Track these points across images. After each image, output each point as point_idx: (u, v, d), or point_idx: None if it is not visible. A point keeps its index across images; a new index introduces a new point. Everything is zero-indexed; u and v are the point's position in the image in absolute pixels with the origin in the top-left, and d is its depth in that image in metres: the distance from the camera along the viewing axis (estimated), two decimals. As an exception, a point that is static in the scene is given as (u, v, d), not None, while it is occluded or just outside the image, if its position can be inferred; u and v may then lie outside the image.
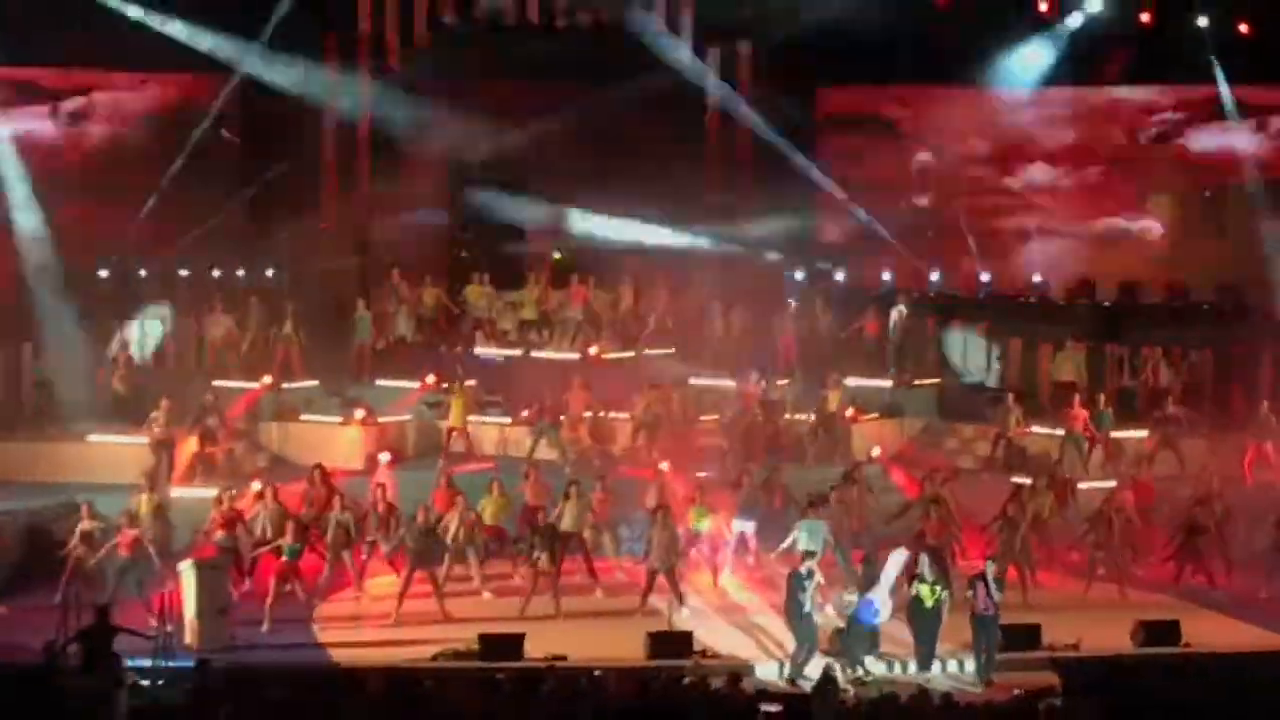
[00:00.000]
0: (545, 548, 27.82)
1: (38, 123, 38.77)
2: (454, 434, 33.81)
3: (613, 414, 34.45)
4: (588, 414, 34.05)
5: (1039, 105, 42.35)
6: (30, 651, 22.78)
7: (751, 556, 29.68)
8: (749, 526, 29.65)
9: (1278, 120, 41.24)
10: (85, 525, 27.12)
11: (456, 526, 28.20)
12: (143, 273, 37.49)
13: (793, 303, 38.35)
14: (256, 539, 28.04)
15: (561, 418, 33.72)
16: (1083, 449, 33.78)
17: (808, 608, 24.66)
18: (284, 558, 27.05)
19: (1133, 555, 29.54)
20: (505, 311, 38.00)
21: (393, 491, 29.20)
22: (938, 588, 25.13)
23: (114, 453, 32.05)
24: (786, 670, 24.65)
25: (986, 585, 24.88)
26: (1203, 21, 39.08)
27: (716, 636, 26.11)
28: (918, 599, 24.99)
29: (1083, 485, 32.07)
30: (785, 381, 36.07)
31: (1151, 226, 41.90)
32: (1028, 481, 31.17)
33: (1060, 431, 34.21)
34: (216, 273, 38.32)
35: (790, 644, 24.95)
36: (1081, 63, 40.41)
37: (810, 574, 24.87)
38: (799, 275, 40.04)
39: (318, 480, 29.58)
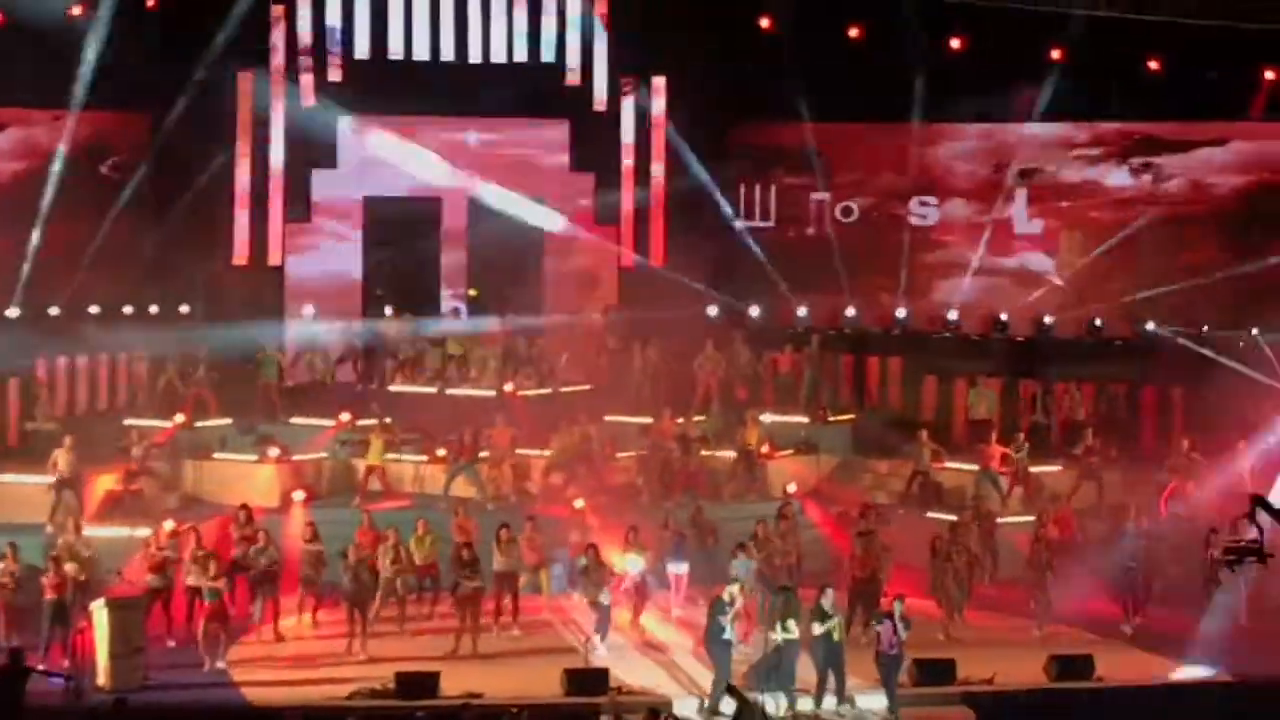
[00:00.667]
0: (469, 579, 27.71)
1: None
2: (372, 472, 33.70)
3: (534, 451, 34.37)
4: (518, 451, 33.97)
5: (955, 140, 42.64)
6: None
7: (680, 598, 29.61)
8: (682, 568, 29.65)
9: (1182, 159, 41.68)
10: (10, 566, 26.86)
11: (389, 564, 28.13)
12: (53, 310, 37.30)
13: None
14: (184, 581, 27.82)
15: (482, 455, 33.62)
16: (1000, 485, 33.80)
17: (727, 634, 24.61)
18: (207, 599, 26.79)
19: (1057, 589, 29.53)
20: (428, 348, 37.77)
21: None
22: (839, 620, 25.10)
23: (21, 493, 31.68)
24: (704, 705, 24.61)
25: (894, 624, 24.80)
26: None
27: (635, 673, 26.05)
28: (828, 634, 24.87)
29: (1003, 520, 32.14)
30: (700, 418, 36.12)
31: (1065, 262, 42.18)
32: (952, 517, 31.22)
33: (975, 467, 34.32)
34: (129, 309, 38.15)
35: (708, 681, 24.89)
36: (992, 98, 40.53)
37: (732, 601, 24.85)
38: (713, 311, 40.04)
39: (242, 520, 29.36)
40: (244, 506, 29.90)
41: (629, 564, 28.62)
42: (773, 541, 29.61)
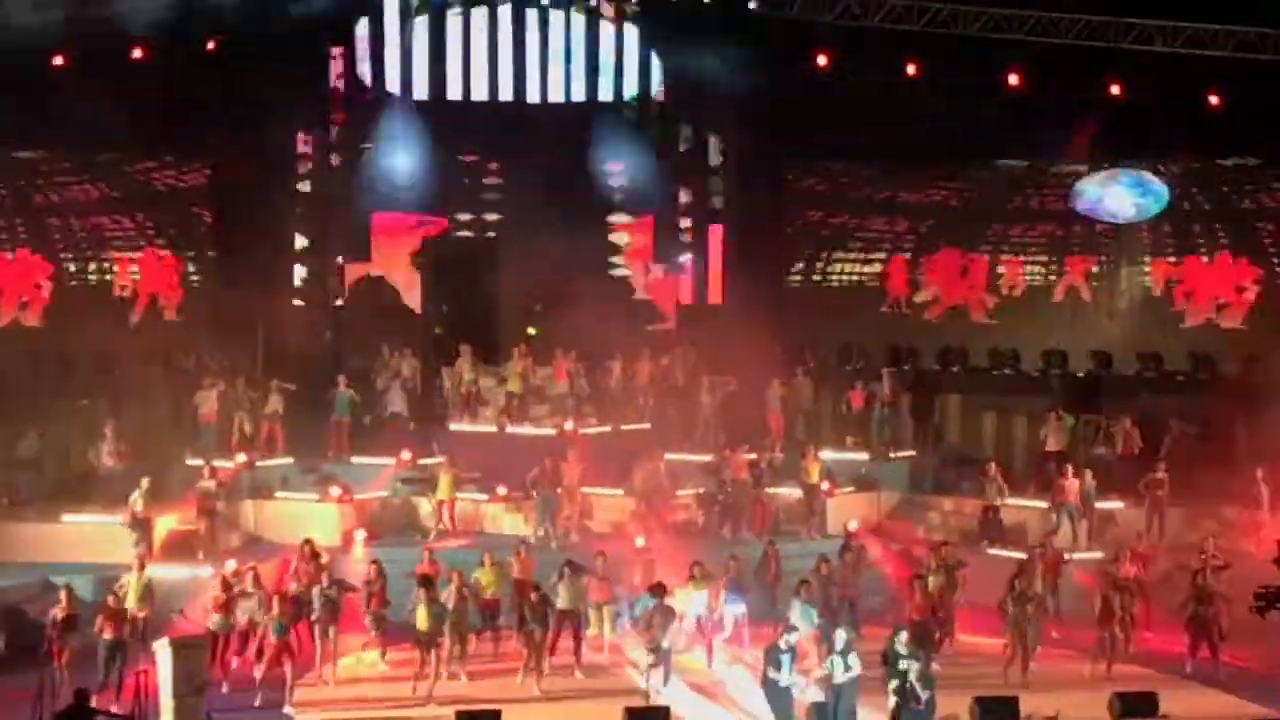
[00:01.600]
0: (539, 621, 27.69)
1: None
2: (442, 507, 33.80)
3: (600, 490, 34.40)
4: (583, 490, 34.00)
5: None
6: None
7: (741, 637, 29.36)
8: (739, 608, 29.50)
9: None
10: (64, 611, 26.90)
11: (455, 601, 28.06)
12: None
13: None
14: (248, 620, 27.86)
15: (558, 490, 33.67)
16: (1076, 520, 33.54)
17: (783, 681, 24.36)
18: (273, 636, 26.81)
19: (1132, 626, 29.25)
20: (493, 386, 37.73)
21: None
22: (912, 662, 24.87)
23: (88, 533, 31.87)
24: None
25: (914, 686, 24.21)
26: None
27: (696, 712, 25.98)
28: (904, 675, 24.64)
29: (1071, 557, 31.87)
30: (770, 455, 35.98)
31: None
32: (1018, 554, 30.98)
33: (1042, 504, 34.06)
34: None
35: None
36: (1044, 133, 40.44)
37: (789, 649, 24.58)
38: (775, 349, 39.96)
39: (308, 555, 29.44)
40: (308, 541, 29.95)
41: (691, 601, 28.50)
42: (838, 576, 29.50)
